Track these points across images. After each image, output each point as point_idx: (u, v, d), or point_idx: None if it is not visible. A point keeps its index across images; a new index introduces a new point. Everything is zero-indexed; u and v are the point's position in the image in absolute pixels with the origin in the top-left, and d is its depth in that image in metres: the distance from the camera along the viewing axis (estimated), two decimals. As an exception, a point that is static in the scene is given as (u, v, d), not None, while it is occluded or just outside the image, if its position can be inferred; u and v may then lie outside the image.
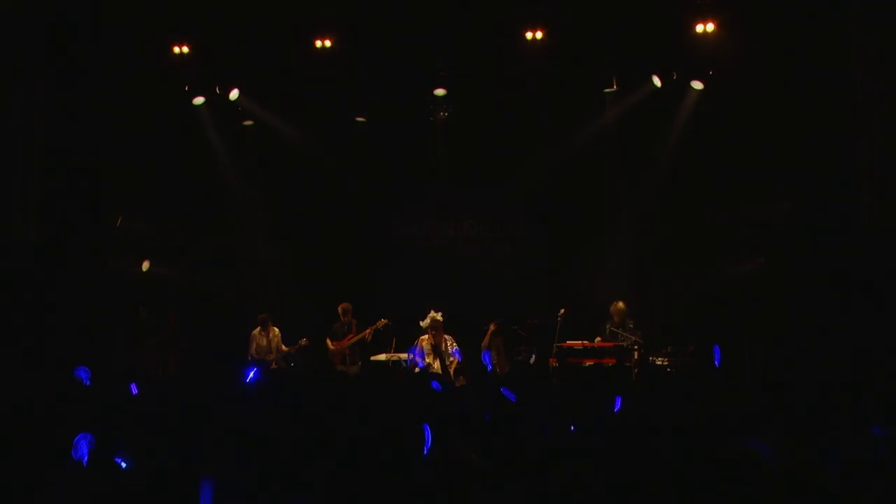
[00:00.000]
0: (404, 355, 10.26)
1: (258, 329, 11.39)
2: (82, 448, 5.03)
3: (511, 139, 11.94)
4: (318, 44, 11.11)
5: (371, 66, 11.34)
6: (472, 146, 12.04)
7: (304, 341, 11.22)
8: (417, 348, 10.04)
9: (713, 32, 10.42)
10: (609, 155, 11.94)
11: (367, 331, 10.89)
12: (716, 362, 8.31)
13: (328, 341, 11.17)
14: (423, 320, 10.21)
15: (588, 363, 9.99)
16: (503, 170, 12.12)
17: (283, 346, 11.32)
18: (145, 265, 11.74)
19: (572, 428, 5.22)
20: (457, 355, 10.06)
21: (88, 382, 6.86)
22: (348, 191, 12.62)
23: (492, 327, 10.47)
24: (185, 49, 11.19)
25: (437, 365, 9.78)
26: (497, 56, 11.02)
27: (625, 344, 10.14)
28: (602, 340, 10.43)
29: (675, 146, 11.42)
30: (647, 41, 10.70)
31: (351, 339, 10.99)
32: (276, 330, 11.41)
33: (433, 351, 9.95)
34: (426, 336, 10.10)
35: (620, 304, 10.50)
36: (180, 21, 11.03)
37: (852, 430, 4.66)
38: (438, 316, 10.09)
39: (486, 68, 11.25)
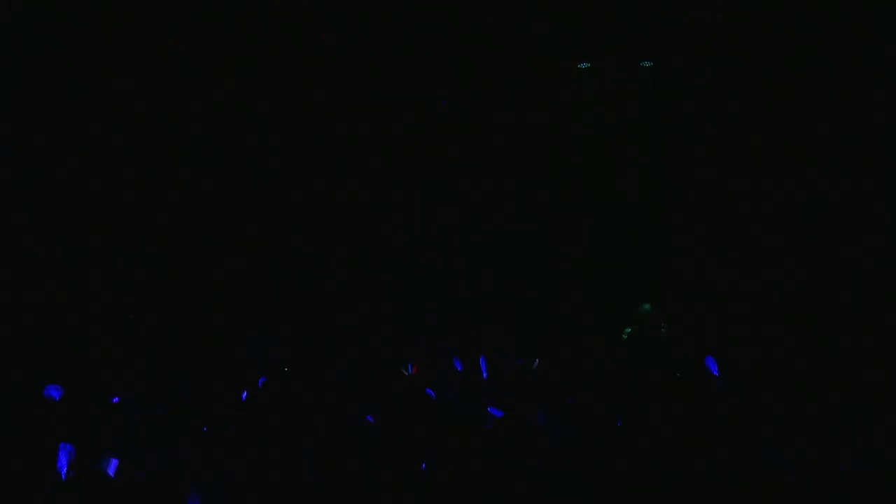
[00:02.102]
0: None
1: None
2: (61, 459, 4.86)
3: (510, 132, 11.72)
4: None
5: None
6: (469, 140, 11.83)
7: None
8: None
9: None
10: (614, 144, 11.72)
11: None
12: (714, 371, 8.04)
13: None
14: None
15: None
16: (503, 164, 11.87)
17: None
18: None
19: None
20: (456, 363, 9.84)
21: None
22: (347, 189, 12.45)
23: None
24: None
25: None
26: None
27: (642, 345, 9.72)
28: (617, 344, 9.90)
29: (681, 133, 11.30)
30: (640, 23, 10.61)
31: None
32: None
33: None
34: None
35: (647, 306, 9.93)
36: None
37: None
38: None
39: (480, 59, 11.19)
